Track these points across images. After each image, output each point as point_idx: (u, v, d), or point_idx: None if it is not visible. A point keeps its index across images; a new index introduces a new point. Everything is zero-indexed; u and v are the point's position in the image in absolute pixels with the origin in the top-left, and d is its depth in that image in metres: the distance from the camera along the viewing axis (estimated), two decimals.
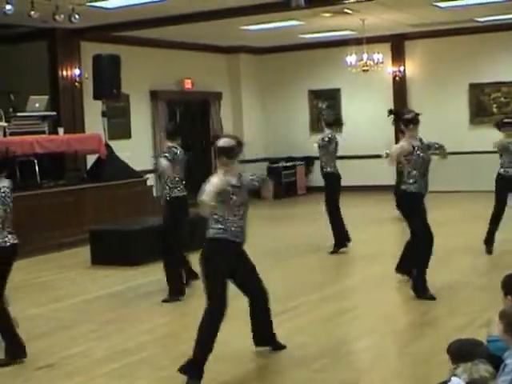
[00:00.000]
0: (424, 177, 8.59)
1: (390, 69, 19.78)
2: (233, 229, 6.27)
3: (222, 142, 6.26)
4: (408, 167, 8.58)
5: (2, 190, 7.01)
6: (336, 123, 13.03)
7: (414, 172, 8.53)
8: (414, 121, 8.66)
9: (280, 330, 7.31)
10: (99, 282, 10.11)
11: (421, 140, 8.73)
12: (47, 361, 6.82)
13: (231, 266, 6.35)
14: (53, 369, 6.62)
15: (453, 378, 3.95)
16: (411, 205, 8.60)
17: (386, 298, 8.90)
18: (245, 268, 6.62)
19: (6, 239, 6.80)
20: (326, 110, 20.63)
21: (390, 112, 9.41)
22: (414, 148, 8.52)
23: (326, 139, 11.60)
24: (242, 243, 6.47)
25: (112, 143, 15.34)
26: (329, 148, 11.62)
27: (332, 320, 7.91)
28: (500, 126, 11.07)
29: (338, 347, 6.89)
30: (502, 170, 10.80)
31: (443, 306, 8.27)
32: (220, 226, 6.23)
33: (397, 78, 19.88)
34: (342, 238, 11.65)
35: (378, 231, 13.56)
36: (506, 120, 11.45)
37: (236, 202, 6.28)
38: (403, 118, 8.74)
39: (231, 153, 6.22)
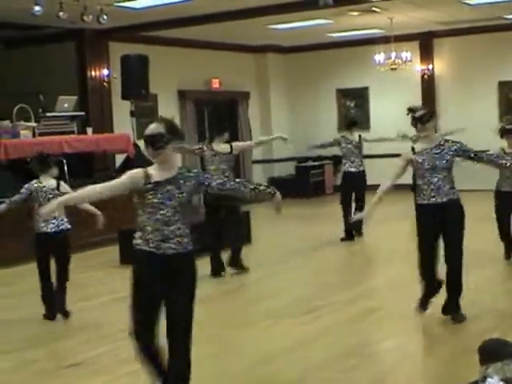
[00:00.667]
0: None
1: (418, 67, 19.69)
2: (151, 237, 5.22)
3: (148, 130, 5.06)
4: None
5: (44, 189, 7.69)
6: (350, 125, 13.53)
7: (420, 182, 7.39)
8: (422, 119, 7.29)
9: (307, 330, 7.34)
10: (128, 282, 10.13)
11: (440, 141, 7.36)
12: (75, 359, 6.87)
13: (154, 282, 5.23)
14: (80, 367, 6.67)
15: (489, 380, 3.91)
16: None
17: (411, 298, 8.85)
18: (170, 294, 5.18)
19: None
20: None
21: (410, 110, 7.78)
22: (411, 159, 7.34)
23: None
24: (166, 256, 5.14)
25: (140, 143, 15.39)
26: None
27: (358, 320, 7.90)
28: (503, 132, 10.06)
29: (364, 347, 6.88)
30: None
31: (471, 306, 8.22)
32: (139, 234, 5.34)
33: (425, 77, 19.78)
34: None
35: (403, 230, 13.49)
36: (508, 126, 10.10)
37: (155, 203, 5.09)
38: (412, 117, 7.42)
39: (158, 142, 4.99)
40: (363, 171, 13.04)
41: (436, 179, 7.23)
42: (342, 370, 6.25)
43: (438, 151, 7.26)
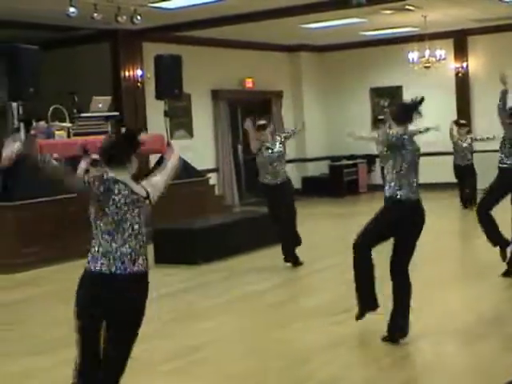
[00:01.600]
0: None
1: (452, 65, 19.57)
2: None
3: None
4: None
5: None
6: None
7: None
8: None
9: (342, 329, 7.33)
10: (162, 281, 10.16)
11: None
12: None
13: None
14: None
15: None
16: None
17: (449, 297, 8.80)
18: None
19: None
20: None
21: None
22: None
23: None
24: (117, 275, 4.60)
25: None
26: None
27: None
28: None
29: (400, 346, 6.84)
30: None
31: (510, 302, 8.16)
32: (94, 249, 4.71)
33: (459, 75, 19.65)
34: None
35: (442, 229, 13.42)
36: (380, 117, 11.79)
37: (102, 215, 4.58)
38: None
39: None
40: None
41: None
42: (380, 368, 6.24)
43: None
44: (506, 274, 9.11)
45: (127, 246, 4.60)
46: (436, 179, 18.19)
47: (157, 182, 4.98)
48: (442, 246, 11.74)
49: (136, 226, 4.66)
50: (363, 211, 15.83)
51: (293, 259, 10.78)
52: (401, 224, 6.72)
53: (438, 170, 17.82)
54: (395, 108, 7.29)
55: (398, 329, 6.79)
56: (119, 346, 4.80)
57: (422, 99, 7.11)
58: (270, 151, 10.52)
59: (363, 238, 6.99)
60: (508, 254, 9.17)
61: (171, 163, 5.13)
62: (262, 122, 10.94)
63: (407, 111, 7.05)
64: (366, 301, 7.14)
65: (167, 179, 5.07)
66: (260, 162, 10.65)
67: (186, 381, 6.32)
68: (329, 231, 12.48)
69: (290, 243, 10.73)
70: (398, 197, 6.68)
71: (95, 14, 12.65)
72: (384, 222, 6.87)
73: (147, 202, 4.76)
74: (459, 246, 12.07)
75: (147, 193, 4.76)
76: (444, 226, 13.42)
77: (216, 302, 9.05)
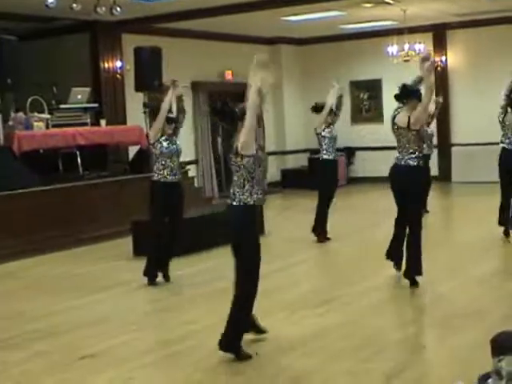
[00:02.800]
0: None
1: (431, 59, 19.58)
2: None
3: None
4: None
5: None
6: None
7: None
8: None
9: (322, 321, 7.36)
10: (141, 273, 10.15)
11: None
12: (89, 351, 6.87)
13: None
14: (95, 359, 6.68)
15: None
16: None
17: (428, 289, 8.85)
18: None
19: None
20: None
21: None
22: None
23: None
24: None
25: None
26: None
27: (373, 311, 7.89)
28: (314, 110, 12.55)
29: (379, 338, 6.87)
30: None
31: (487, 296, 8.21)
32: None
33: (439, 69, 19.69)
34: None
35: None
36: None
37: None
38: None
39: None
40: None
41: None
42: (359, 360, 6.26)
43: None
44: None
45: None
46: None
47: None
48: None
49: None
50: (342, 205, 15.94)
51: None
52: None
53: None
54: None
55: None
56: None
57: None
58: None
59: None
60: None
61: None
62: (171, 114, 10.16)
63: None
64: None
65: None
66: None
67: (166, 372, 6.32)
68: (308, 224, 12.45)
69: None
70: None
71: (74, 5, 12.57)
72: None
73: None
74: (442, 239, 12.13)
75: None
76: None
77: (196, 293, 9.04)
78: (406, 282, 8.86)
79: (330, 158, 11.93)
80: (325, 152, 11.87)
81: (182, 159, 15.78)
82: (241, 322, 6.50)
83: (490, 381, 4.05)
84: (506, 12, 17.41)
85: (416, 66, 18.61)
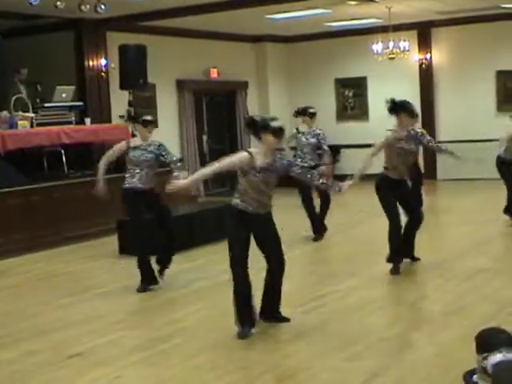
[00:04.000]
0: None
1: (416, 56, 19.66)
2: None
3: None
4: None
5: None
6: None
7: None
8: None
9: (309, 318, 7.36)
10: (128, 272, 10.13)
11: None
12: (77, 350, 6.86)
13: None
14: (83, 358, 6.67)
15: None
16: None
17: (413, 287, 8.88)
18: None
19: None
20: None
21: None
22: None
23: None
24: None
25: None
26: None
27: (360, 308, 7.91)
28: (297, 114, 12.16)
29: (367, 336, 6.89)
30: None
31: (473, 293, 8.24)
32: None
33: (423, 66, 19.75)
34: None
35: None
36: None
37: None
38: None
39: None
40: None
41: None
42: (346, 358, 6.28)
43: None
44: None
45: None
46: None
47: None
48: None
49: None
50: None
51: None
52: None
53: None
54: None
55: None
56: None
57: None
58: None
59: None
60: None
61: None
62: (149, 117, 9.64)
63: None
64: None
65: None
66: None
67: (153, 371, 6.31)
68: (292, 221, 12.46)
69: None
70: None
71: (58, 3, 12.52)
72: None
73: None
74: (427, 236, 12.16)
75: None
76: None
77: (183, 292, 9.04)
78: (392, 279, 8.91)
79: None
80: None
81: None
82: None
83: (475, 377, 4.08)
84: (490, 10, 17.46)
85: (401, 63, 18.79)
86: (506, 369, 3.87)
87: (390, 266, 9.33)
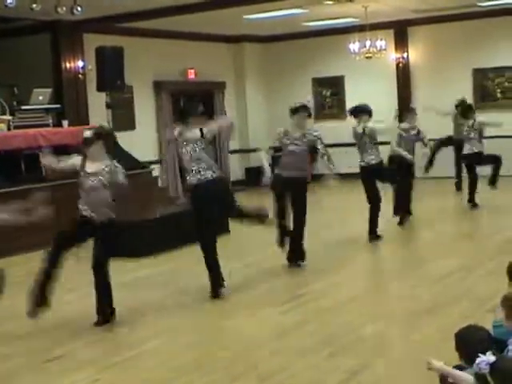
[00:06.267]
0: None
1: (393, 55, 19.74)
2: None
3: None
4: None
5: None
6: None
7: None
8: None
9: (287, 319, 7.38)
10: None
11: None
12: (56, 353, 6.85)
13: None
14: (62, 361, 6.66)
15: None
16: None
17: (388, 286, 8.92)
18: None
19: None
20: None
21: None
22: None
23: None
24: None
25: (116, 134, 15.31)
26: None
27: (338, 307, 7.94)
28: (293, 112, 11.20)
29: (345, 334, 6.91)
30: None
31: (450, 291, 8.29)
32: None
33: (400, 65, 19.84)
34: None
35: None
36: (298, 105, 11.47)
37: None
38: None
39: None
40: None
41: None
42: (325, 357, 6.30)
43: None
44: None
45: None
46: None
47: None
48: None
49: None
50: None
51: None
52: None
53: None
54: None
55: None
56: None
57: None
58: None
59: None
60: None
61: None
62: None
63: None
64: None
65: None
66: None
67: (132, 373, 6.30)
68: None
69: None
70: None
71: (34, 5, 12.46)
72: None
73: None
74: (403, 236, 12.21)
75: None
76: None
77: (161, 294, 9.02)
78: (371, 277, 8.94)
79: None
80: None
81: (145, 159, 15.90)
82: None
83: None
84: (466, 8, 17.56)
85: (378, 62, 18.83)
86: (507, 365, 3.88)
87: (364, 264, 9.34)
